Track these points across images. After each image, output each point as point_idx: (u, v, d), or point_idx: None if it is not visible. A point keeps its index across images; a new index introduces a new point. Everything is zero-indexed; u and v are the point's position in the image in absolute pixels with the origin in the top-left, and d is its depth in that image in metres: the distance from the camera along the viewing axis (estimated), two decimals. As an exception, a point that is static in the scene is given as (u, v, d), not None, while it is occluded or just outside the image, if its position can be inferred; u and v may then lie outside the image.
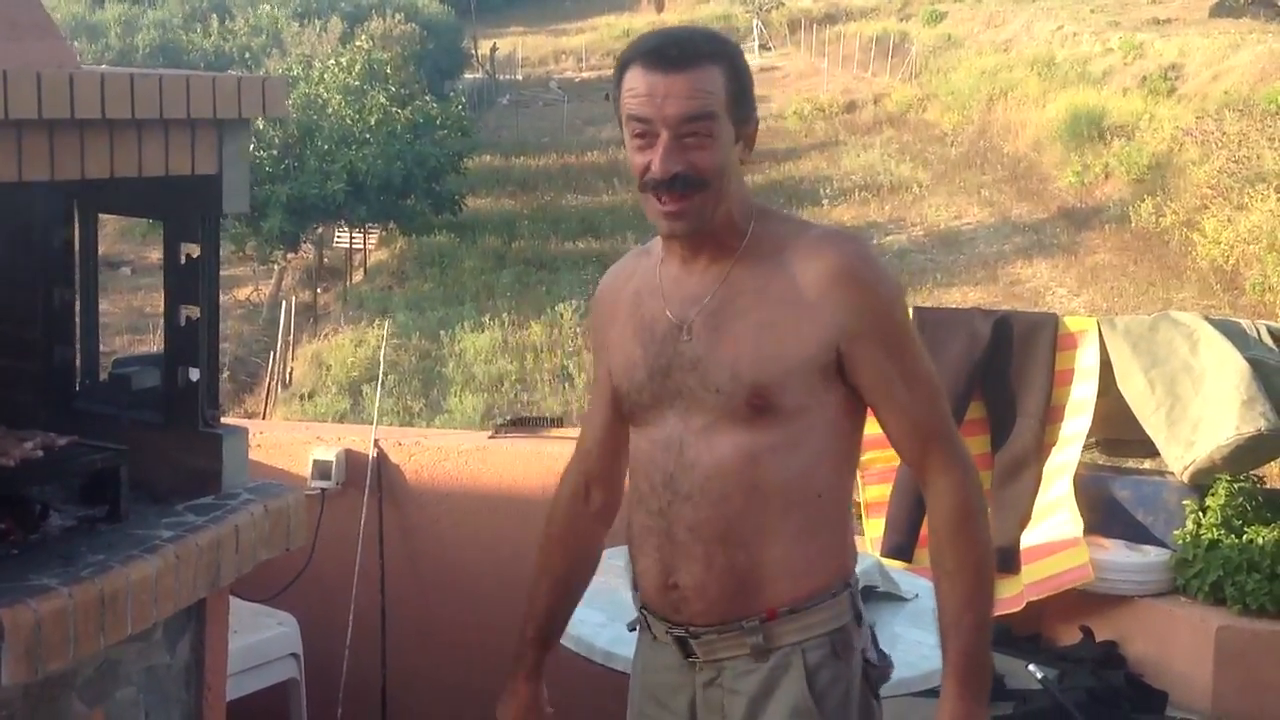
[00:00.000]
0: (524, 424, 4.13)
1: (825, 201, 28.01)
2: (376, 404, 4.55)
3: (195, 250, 2.95)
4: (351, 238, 27.21)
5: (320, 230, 26.37)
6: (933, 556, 2.01)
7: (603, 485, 2.27)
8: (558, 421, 4.17)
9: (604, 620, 2.94)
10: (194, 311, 2.97)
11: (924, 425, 1.99)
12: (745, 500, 1.96)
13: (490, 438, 4.04)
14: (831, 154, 32.68)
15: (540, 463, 3.88)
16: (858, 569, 3.20)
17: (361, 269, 27.76)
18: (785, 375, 1.93)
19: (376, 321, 20.82)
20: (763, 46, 46.90)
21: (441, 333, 20.02)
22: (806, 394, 1.95)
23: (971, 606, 1.96)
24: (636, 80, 1.93)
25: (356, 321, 21.89)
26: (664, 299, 2.03)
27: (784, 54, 46.80)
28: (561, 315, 19.55)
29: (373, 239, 28.31)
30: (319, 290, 26.10)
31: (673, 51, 1.92)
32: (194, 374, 2.97)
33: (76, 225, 3.12)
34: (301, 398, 18.54)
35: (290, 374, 20.16)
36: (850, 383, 1.97)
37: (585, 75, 46.91)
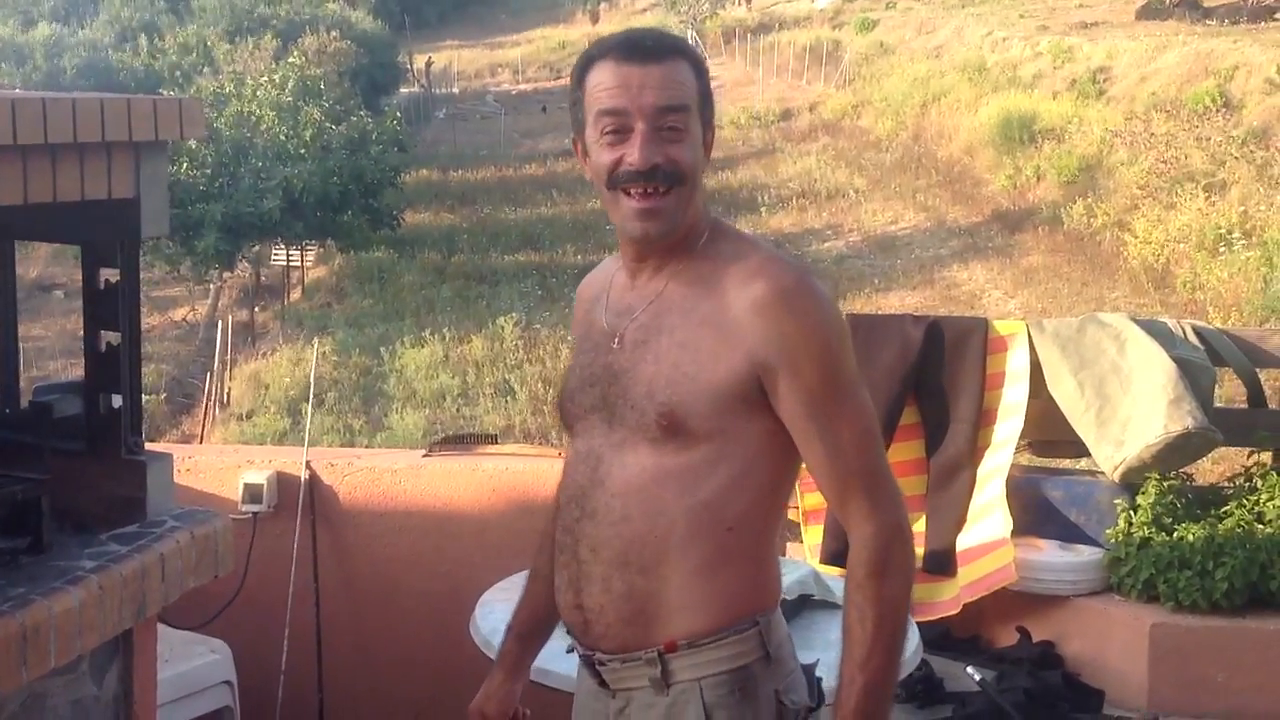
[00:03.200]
0: (459, 441, 4.10)
1: (763, 209, 28.15)
2: (308, 425, 4.50)
3: (114, 275, 2.91)
4: (289, 255, 26.99)
5: (257, 248, 26.13)
6: (844, 605, 1.90)
7: None
8: (493, 439, 4.14)
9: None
10: (114, 337, 2.92)
11: (843, 470, 1.87)
12: (647, 524, 1.88)
13: (424, 456, 4.01)
14: (768, 162, 32.85)
15: (475, 480, 3.86)
16: (793, 577, 3.22)
17: (299, 287, 27.53)
18: (695, 399, 1.86)
19: (315, 339, 20.66)
20: (699, 57, 47.03)
21: (382, 349, 19.89)
22: (720, 421, 1.86)
23: (866, 668, 1.84)
24: (607, 74, 1.88)
25: (295, 340, 21.69)
26: (606, 307, 2.01)
27: (719, 64, 46.99)
28: (502, 329, 19.49)
29: (310, 256, 28.09)
30: (256, 309, 25.86)
31: (648, 43, 1.90)
32: (116, 400, 2.93)
33: (-8, 251, 3.06)
34: (240, 418, 18.34)
35: (228, 394, 19.94)
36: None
37: (522, 88, 46.92)
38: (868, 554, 1.86)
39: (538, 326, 19.90)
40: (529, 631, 2.25)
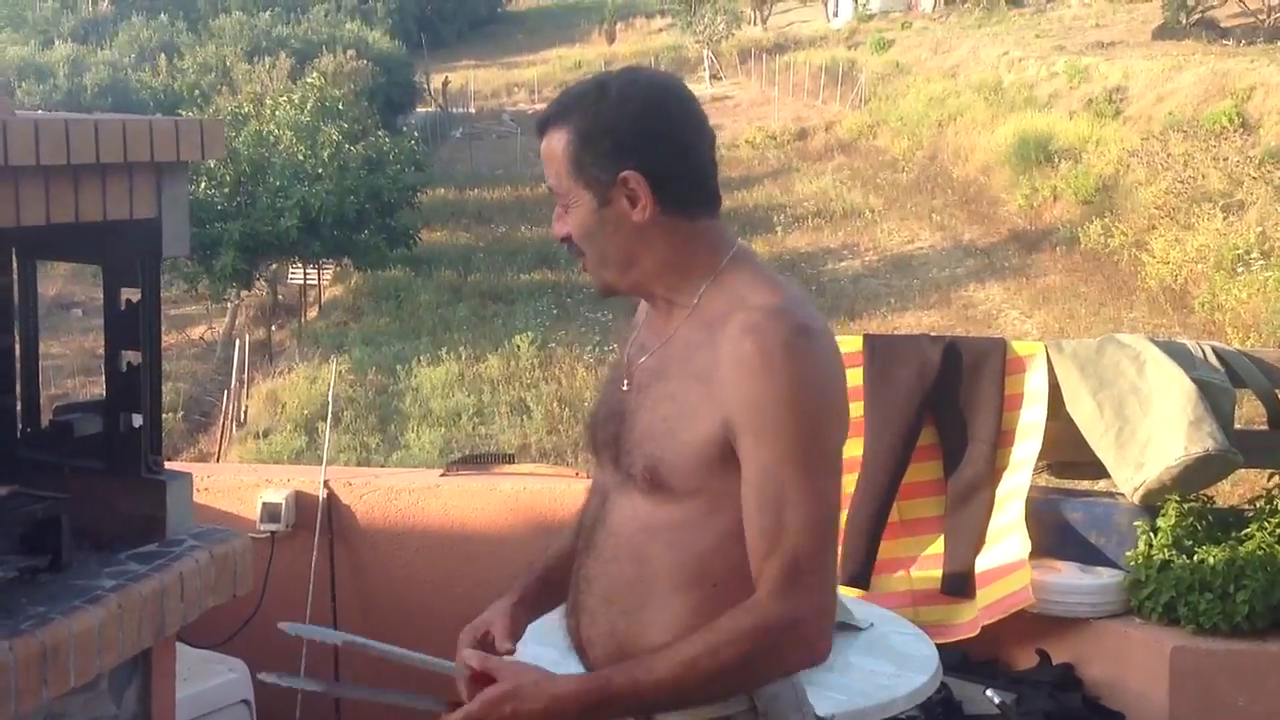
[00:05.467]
0: (476, 461, 4.10)
1: (779, 229, 28.18)
2: (326, 445, 4.51)
3: (135, 295, 2.93)
4: (305, 274, 27.07)
5: (274, 267, 26.22)
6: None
7: None
8: (510, 458, 4.14)
9: (558, 656, 2.90)
10: (135, 357, 2.94)
11: (781, 541, 1.72)
12: (634, 569, 1.85)
13: (442, 476, 4.01)
14: (784, 181, 32.90)
15: (492, 500, 3.86)
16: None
17: (316, 305, 27.62)
18: (675, 456, 1.79)
19: (332, 358, 20.72)
20: (714, 76, 47.25)
21: (398, 367, 19.93)
22: (701, 478, 1.78)
23: (649, 670, 1.75)
24: None
25: (311, 358, 21.74)
26: (636, 339, 1.97)
27: (735, 83, 47.16)
28: (519, 348, 19.52)
29: (327, 275, 28.18)
30: (274, 327, 25.94)
31: (544, 113, 1.87)
32: (136, 420, 2.94)
33: (15, 271, 3.08)
34: (257, 436, 18.38)
35: (245, 412, 19.99)
36: None
37: (538, 107, 46.88)
38: (749, 619, 1.73)
39: (553, 345, 19.92)
40: (552, 577, 2.08)
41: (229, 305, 25.75)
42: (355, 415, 18.01)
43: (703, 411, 1.78)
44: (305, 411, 18.55)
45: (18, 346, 3.06)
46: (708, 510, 1.80)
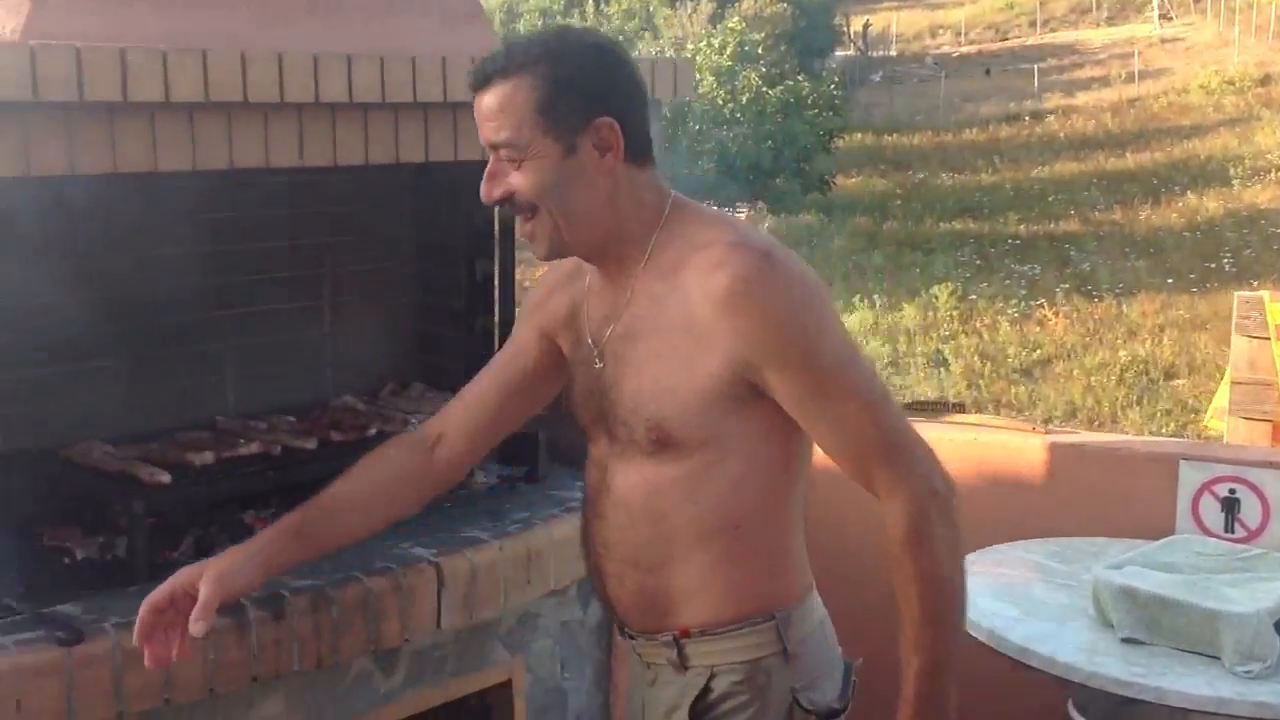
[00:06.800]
0: (923, 408, 4.02)
1: (1235, 182, 26.08)
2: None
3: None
4: (721, 217, 27.59)
5: (691, 210, 26.90)
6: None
7: (454, 443, 2.08)
8: (959, 406, 4.02)
9: (1018, 615, 2.85)
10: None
11: (855, 448, 1.78)
12: (652, 529, 1.87)
13: (884, 419, 3.96)
14: (1243, 131, 30.38)
15: (939, 449, 3.75)
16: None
17: (730, 249, 28.14)
18: (681, 410, 1.80)
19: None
20: (1163, 16, 44.22)
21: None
22: (710, 426, 1.80)
23: (919, 650, 1.76)
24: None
25: (724, 300, 22.14)
26: (587, 316, 1.95)
27: (1188, 24, 43.95)
28: (936, 298, 19.13)
29: (742, 219, 28.65)
30: (688, 269, 26.64)
31: (484, 66, 1.80)
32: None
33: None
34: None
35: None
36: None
37: (964, 50, 45.74)
38: (900, 529, 1.76)
39: (974, 297, 19.41)
40: (297, 526, 1.99)
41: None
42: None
43: (698, 360, 1.78)
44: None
45: (496, 273, 3.27)
46: (717, 457, 1.82)
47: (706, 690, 1.87)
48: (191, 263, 2.85)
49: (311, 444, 2.76)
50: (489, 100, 1.79)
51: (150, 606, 1.87)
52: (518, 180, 1.80)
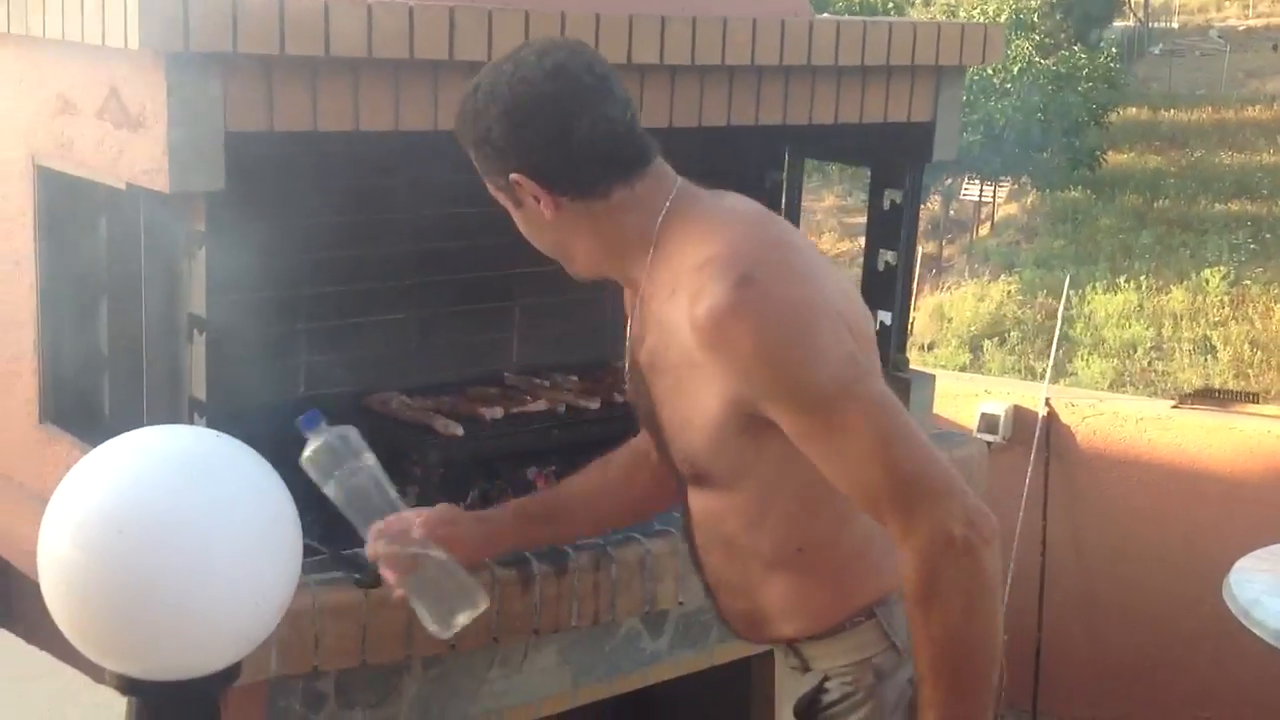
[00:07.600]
0: (1211, 396, 3.85)
1: None
2: (1050, 364, 4.43)
3: (898, 197, 3.01)
4: (981, 190, 26.86)
5: (949, 181, 26.25)
6: None
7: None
8: (1253, 397, 3.83)
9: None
10: (892, 256, 3.03)
11: (863, 489, 1.64)
12: (725, 555, 1.85)
13: (1174, 407, 3.80)
14: None
15: (1229, 440, 3.60)
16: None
17: (988, 222, 27.36)
18: (706, 445, 1.74)
19: (1001, 276, 20.46)
20: None
21: (1070, 292, 19.28)
22: (735, 458, 1.73)
23: (931, 704, 1.63)
24: None
25: (980, 275, 21.62)
26: (630, 330, 1.87)
27: None
28: (1207, 281, 18.21)
29: (1002, 192, 27.78)
30: (944, 242, 26.05)
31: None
32: (886, 317, 3.04)
33: (786, 170, 3.27)
34: (921, 348, 18.64)
35: (912, 324, 20.33)
36: None
37: (1251, 23, 43.13)
38: (910, 582, 1.62)
39: (1248, 282, 18.38)
40: (533, 511, 2.08)
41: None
42: (1022, 337, 17.72)
43: (702, 395, 1.70)
44: (971, 329, 18.53)
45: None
46: (759, 486, 1.76)
47: (822, 691, 1.85)
48: (488, 221, 2.91)
49: (595, 404, 2.80)
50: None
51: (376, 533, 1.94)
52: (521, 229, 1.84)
